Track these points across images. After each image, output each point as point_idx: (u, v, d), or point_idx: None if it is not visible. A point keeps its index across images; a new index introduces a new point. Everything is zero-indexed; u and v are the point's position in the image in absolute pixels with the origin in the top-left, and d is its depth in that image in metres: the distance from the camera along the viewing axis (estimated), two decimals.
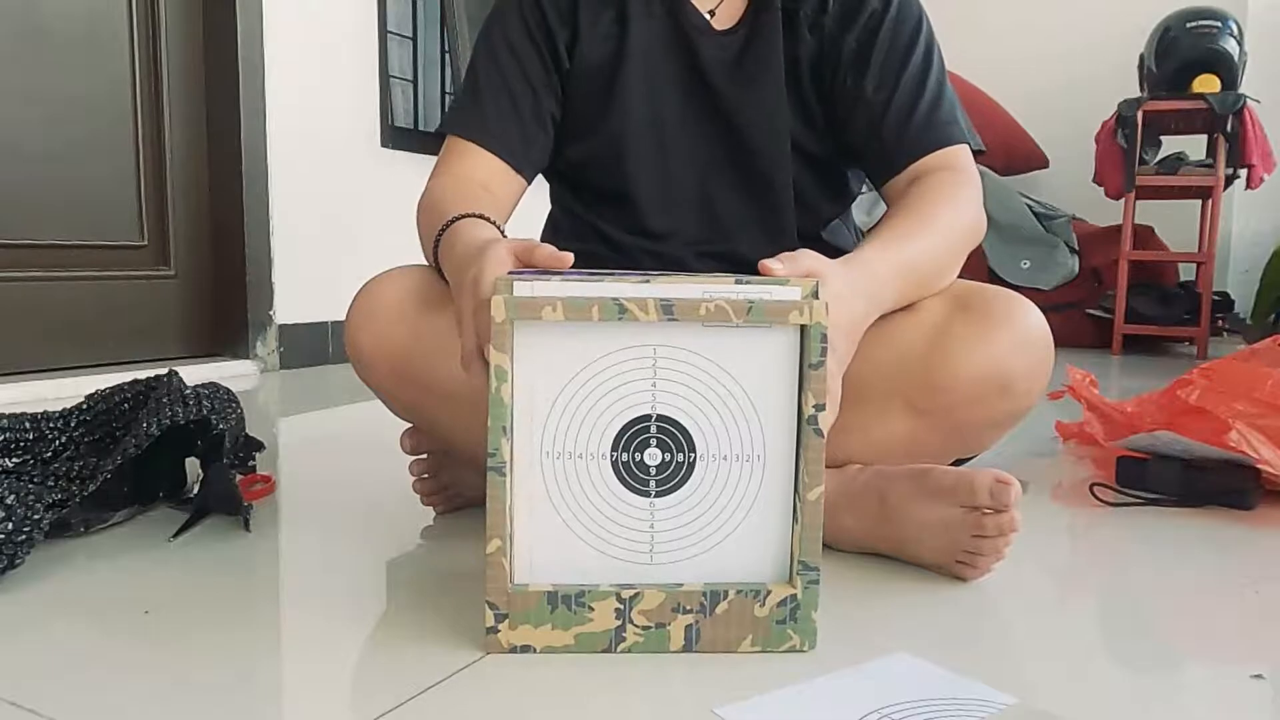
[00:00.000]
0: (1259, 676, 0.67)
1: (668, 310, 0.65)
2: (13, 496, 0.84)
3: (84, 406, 1.08)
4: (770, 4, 1.00)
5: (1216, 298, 3.33)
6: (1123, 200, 3.16)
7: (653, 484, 0.68)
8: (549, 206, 1.14)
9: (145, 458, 1.00)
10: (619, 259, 1.03)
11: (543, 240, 1.13)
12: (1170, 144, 3.36)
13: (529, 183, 1.03)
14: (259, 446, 1.17)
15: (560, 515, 0.68)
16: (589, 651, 0.67)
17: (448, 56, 2.89)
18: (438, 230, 0.88)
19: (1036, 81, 4.01)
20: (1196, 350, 3.15)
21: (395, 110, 2.72)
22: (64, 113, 2.00)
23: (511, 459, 0.66)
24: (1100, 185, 3.27)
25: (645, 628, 0.67)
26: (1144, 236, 3.33)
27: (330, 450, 1.48)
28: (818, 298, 0.67)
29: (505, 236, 0.84)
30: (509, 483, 0.66)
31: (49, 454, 1.04)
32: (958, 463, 0.99)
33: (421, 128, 2.82)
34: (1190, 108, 3.06)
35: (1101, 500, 1.17)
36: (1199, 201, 3.41)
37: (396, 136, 2.72)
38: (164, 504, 1.07)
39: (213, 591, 0.82)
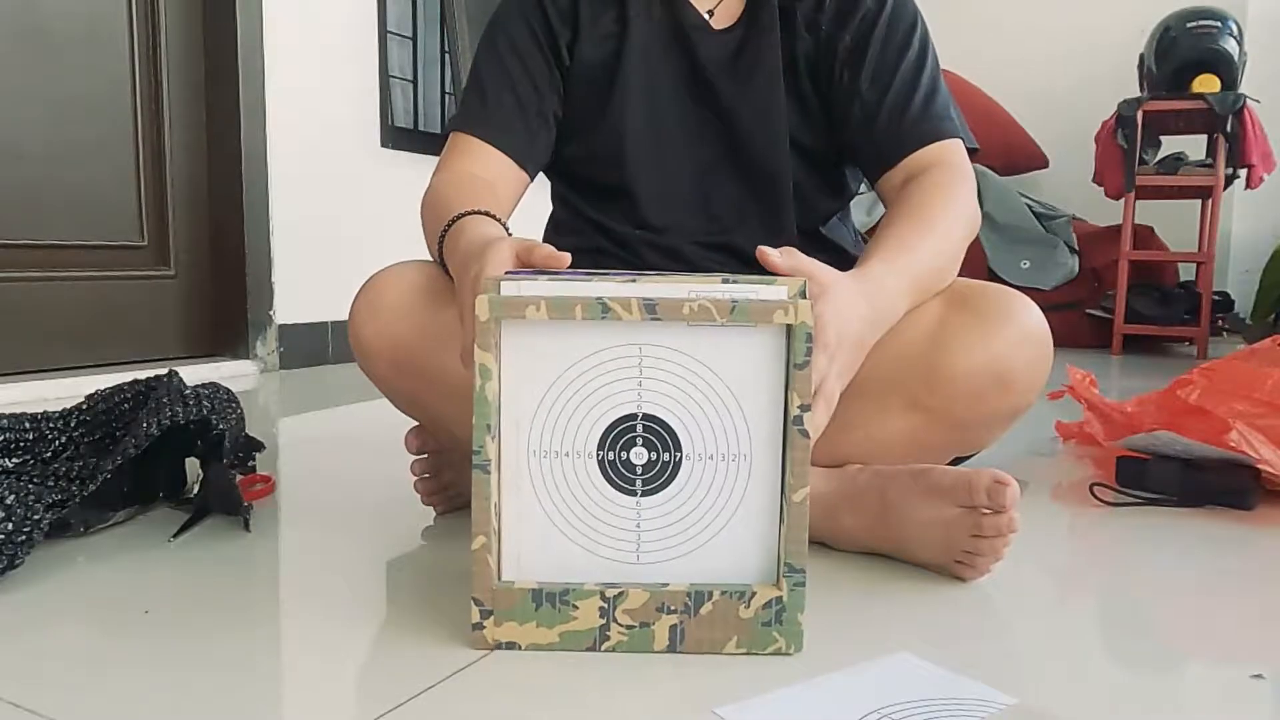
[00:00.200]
0: (1259, 676, 0.67)
1: (651, 310, 0.65)
2: (13, 496, 0.84)
3: (84, 406, 1.08)
4: (768, 3, 1.01)
5: (1216, 298, 3.33)
6: (1123, 200, 3.16)
7: (639, 483, 0.68)
8: (550, 205, 1.15)
9: (145, 458, 1.00)
10: (621, 253, 1.04)
11: (545, 238, 1.14)
12: (1170, 144, 3.36)
13: (532, 179, 1.04)
14: (259, 446, 1.17)
15: (547, 514, 0.68)
16: (573, 650, 0.68)
17: (448, 56, 2.89)
18: (442, 226, 0.88)
19: (1036, 81, 4.01)
20: (1196, 350, 3.15)
21: (395, 110, 2.72)
22: (64, 113, 2.00)
23: (498, 457, 0.66)
24: (1100, 185, 3.27)
25: (629, 627, 0.67)
26: (1144, 236, 3.33)
27: (330, 450, 1.48)
28: (804, 297, 0.67)
29: (509, 233, 0.85)
30: (494, 480, 0.66)
31: (49, 454, 1.04)
32: (957, 461, 0.99)
33: (421, 128, 2.82)
34: (1190, 108, 3.06)
35: (1101, 500, 1.17)
36: (1199, 201, 3.41)
37: (396, 136, 2.72)
38: (164, 504, 1.07)
39: (213, 591, 0.82)
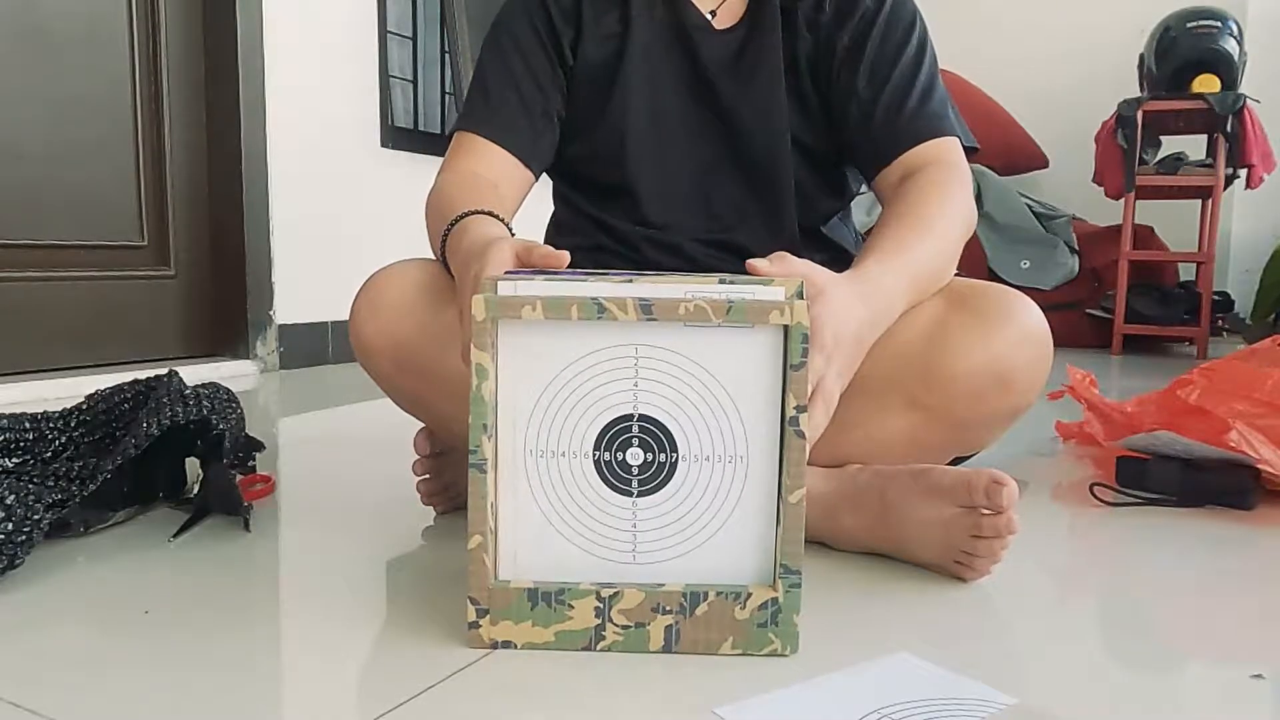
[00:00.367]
0: (1259, 676, 0.67)
1: (647, 310, 0.65)
2: (13, 496, 0.84)
3: (84, 406, 1.08)
4: (769, 3, 1.02)
5: (1216, 298, 3.33)
6: (1123, 200, 3.16)
7: (635, 484, 0.68)
8: (551, 205, 1.15)
9: (145, 458, 1.00)
10: (622, 251, 1.04)
11: (546, 237, 1.14)
12: (1170, 144, 3.36)
13: (536, 178, 1.04)
14: (259, 446, 1.17)
15: (543, 513, 0.68)
16: (569, 649, 0.68)
17: (448, 56, 2.89)
18: (445, 226, 0.88)
19: (1036, 81, 4.01)
20: (1196, 350, 3.15)
21: (395, 110, 2.72)
22: (64, 113, 2.00)
23: (495, 457, 0.67)
24: (1100, 185, 3.27)
25: (625, 627, 0.67)
26: (1144, 236, 3.33)
27: (330, 450, 1.48)
28: (801, 298, 0.67)
29: (512, 233, 0.85)
30: (491, 480, 0.66)
31: (49, 454, 1.04)
32: (957, 461, 0.99)
33: (421, 128, 2.82)
34: (1190, 108, 3.06)
35: (1101, 500, 1.17)
36: (1199, 201, 3.42)
37: (396, 136, 2.72)
38: (164, 504, 1.07)
39: (213, 591, 0.82)
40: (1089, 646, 0.73)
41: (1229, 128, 2.99)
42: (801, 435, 0.65)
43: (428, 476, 1.02)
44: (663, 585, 0.67)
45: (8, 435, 1.03)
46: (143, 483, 1.03)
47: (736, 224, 1.05)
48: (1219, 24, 3.07)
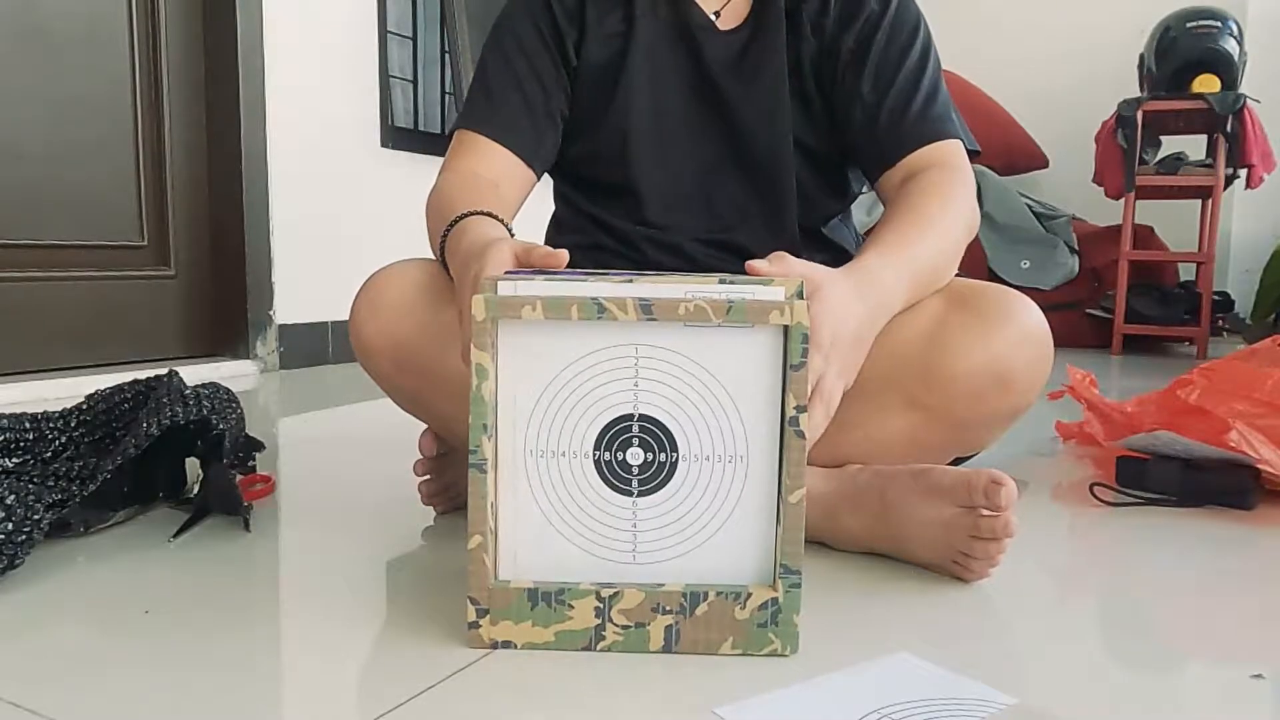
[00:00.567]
0: (1259, 676, 0.67)
1: (647, 310, 0.65)
2: (13, 496, 0.84)
3: (84, 406, 1.08)
4: (773, 4, 1.02)
5: (1216, 298, 3.33)
6: (1123, 200, 3.16)
7: (635, 483, 0.68)
8: (551, 204, 1.15)
9: (145, 458, 1.00)
10: (623, 250, 1.04)
11: (547, 237, 1.14)
12: (1170, 144, 3.36)
13: (538, 178, 1.04)
14: (259, 446, 1.17)
15: (544, 513, 0.68)
16: (568, 649, 0.68)
17: (448, 56, 2.89)
18: (445, 227, 0.88)
19: (1036, 81, 4.01)
20: (1196, 350, 3.15)
21: (395, 110, 2.72)
22: (64, 113, 2.00)
23: (495, 456, 0.67)
24: (1100, 185, 3.27)
25: (625, 627, 0.67)
26: (1144, 236, 3.33)
27: (330, 450, 1.48)
28: (802, 298, 0.67)
29: (512, 234, 0.85)
30: (491, 480, 0.66)
31: (49, 454, 1.04)
32: (957, 462, 0.99)
33: (421, 128, 2.82)
34: (1190, 108, 3.06)
35: (1101, 500, 1.17)
36: (1199, 201, 3.42)
37: (396, 136, 2.72)
38: (164, 504, 1.07)
39: (213, 591, 0.82)
40: (1089, 646, 0.73)
41: (1229, 128, 2.99)
42: (802, 435, 0.65)
43: (428, 477, 1.02)
44: (663, 585, 0.67)
45: (8, 435, 1.03)
46: (143, 483, 1.03)
47: (738, 224, 1.05)
48: (1219, 24, 3.07)
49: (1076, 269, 3.36)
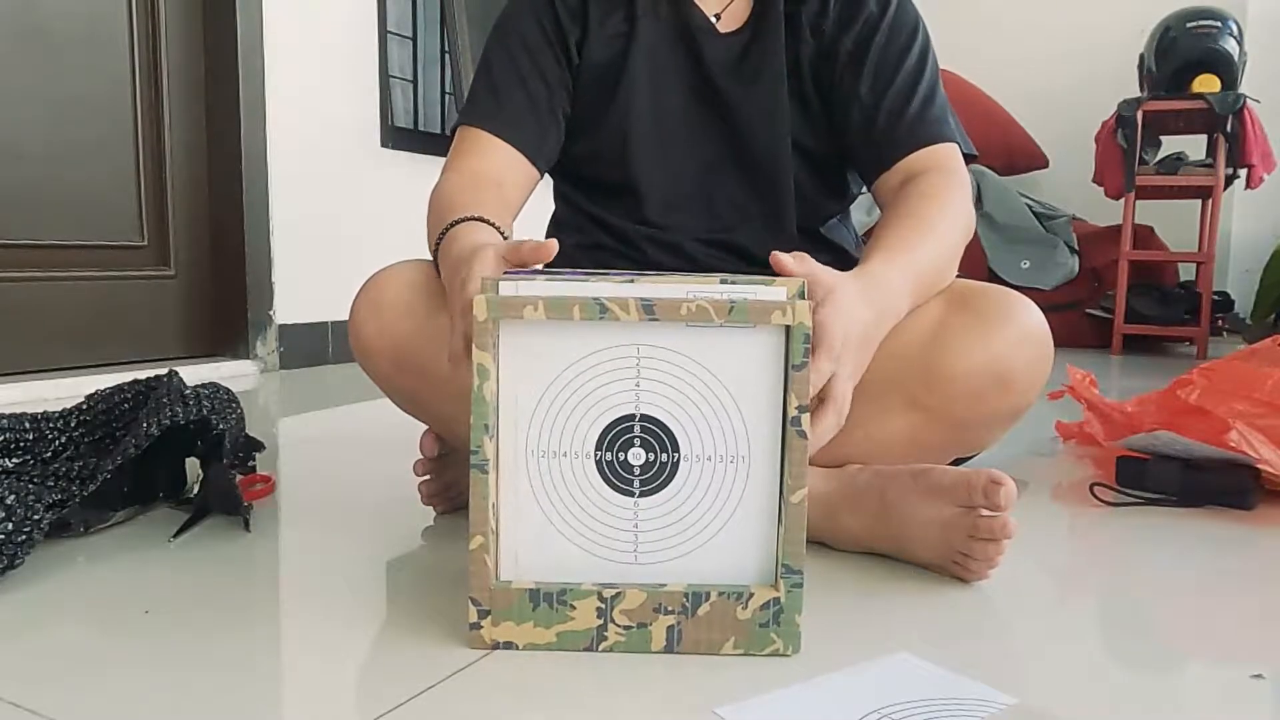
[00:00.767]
0: (1259, 676, 0.67)
1: (649, 310, 0.65)
2: (13, 496, 0.84)
3: (84, 406, 1.08)
4: (773, 7, 1.02)
5: (1216, 298, 3.33)
6: (1123, 200, 3.17)
7: (637, 484, 0.68)
8: (551, 204, 1.15)
9: (145, 458, 1.00)
10: (623, 249, 1.04)
11: (546, 236, 1.14)
12: (1170, 144, 3.36)
13: (542, 175, 1.04)
14: (259, 446, 1.17)
15: (545, 514, 0.68)
16: (570, 650, 0.68)
17: (448, 56, 2.89)
18: (440, 231, 0.88)
19: (1037, 81, 4.01)
20: (1196, 350, 3.15)
21: (395, 110, 2.72)
22: (64, 113, 2.00)
23: (496, 457, 0.67)
24: (1100, 185, 3.27)
25: (627, 627, 0.67)
26: (1144, 236, 3.33)
27: (330, 450, 1.48)
28: (803, 298, 0.67)
29: (506, 238, 0.85)
30: (492, 480, 0.66)
31: (49, 454, 1.04)
32: (958, 462, 0.99)
33: (421, 128, 2.82)
34: (1190, 108, 3.07)
35: (1101, 500, 1.17)
36: (1199, 201, 3.42)
37: (396, 136, 2.72)
38: (164, 504, 1.07)
39: (213, 591, 0.82)
40: (1089, 646, 0.73)
41: (1229, 128, 2.99)
42: (803, 435, 0.65)
43: (429, 477, 1.02)
44: (664, 585, 0.67)
45: (8, 435, 1.03)
46: (143, 483, 1.03)
47: (737, 224, 1.05)
48: (1219, 24, 3.07)
49: (1076, 269, 3.36)
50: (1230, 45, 3.07)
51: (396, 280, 0.95)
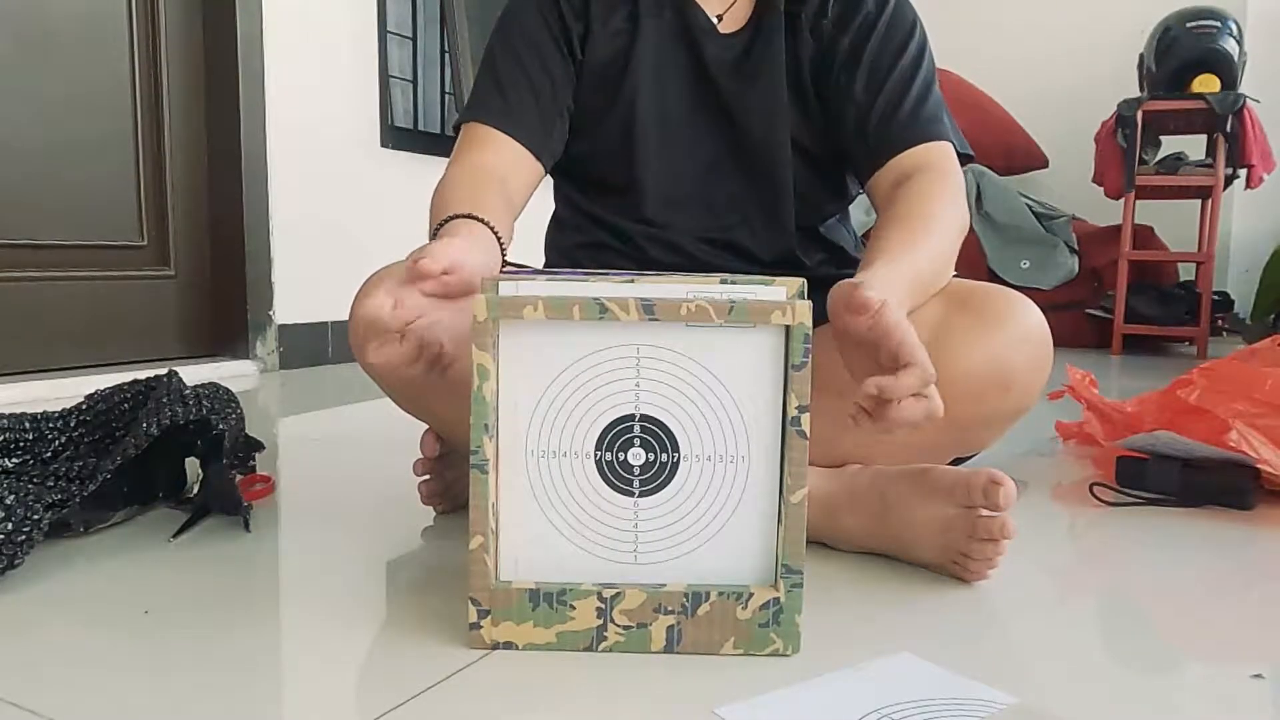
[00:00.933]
0: (1259, 676, 0.67)
1: (649, 310, 0.65)
2: (13, 496, 0.84)
3: (84, 407, 1.08)
4: (774, 7, 1.02)
5: (1216, 298, 3.33)
6: (1122, 200, 3.17)
7: (636, 484, 0.68)
8: (552, 204, 1.15)
9: (145, 458, 1.00)
10: (623, 248, 1.05)
11: (547, 235, 1.15)
12: (1170, 144, 3.36)
13: (546, 170, 1.04)
14: (259, 446, 1.17)
15: (545, 514, 0.68)
16: (570, 650, 0.68)
17: (448, 56, 2.89)
18: (435, 227, 0.88)
19: (1037, 81, 4.01)
20: (1196, 350, 3.15)
21: (395, 110, 2.72)
22: (64, 113, 2.00)
23: (496, 457, 0.67)
24: (1100, 185, 3.27)
25: (627, 627, 0.67)
26: (1144, 236, 3.33)
27: (330, 450, 1.48)
28: (803, 299, 0.67)
29: (498, 235, 0.84)
30: (492, 480, 0.66)
31: (49, 454, 1.04)
32: (958, 462, 0.99)
33: (421, 128, 2.82)
34: (1190, 108, 3.06)
35: (1101, 500, 1.17)
36: (1199, 201, 3.42)
37: (396, 136, 2.72)
38: (164, 504, 1.07)
39: (213, 591, 0.82)
40: (1089, 646, 0.73)
41: (1229, 128, 2.99)
42: (803, 435, 0.65)
43: (429, 477, 1.02)
44: (664, 585, 0.67)
45: (8, 435, 1.03)
46: (143, 483, 1.03)
47: (737, 223, 1.06)
48: (1219, 24, 3.07)
49: (1076, 269, 3.36)
50: (1230, 45, 3.07)
51: (397, 279, 0.95)
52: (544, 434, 0.68)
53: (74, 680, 0.64)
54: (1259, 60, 3.34)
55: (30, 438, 1.04)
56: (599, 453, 0.68)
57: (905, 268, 0.86)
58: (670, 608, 0.67)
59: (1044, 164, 3.85)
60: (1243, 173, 3.11)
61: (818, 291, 0.76)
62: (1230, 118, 2.98)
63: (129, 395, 1.08)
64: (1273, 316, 3.25)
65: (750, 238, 1.05)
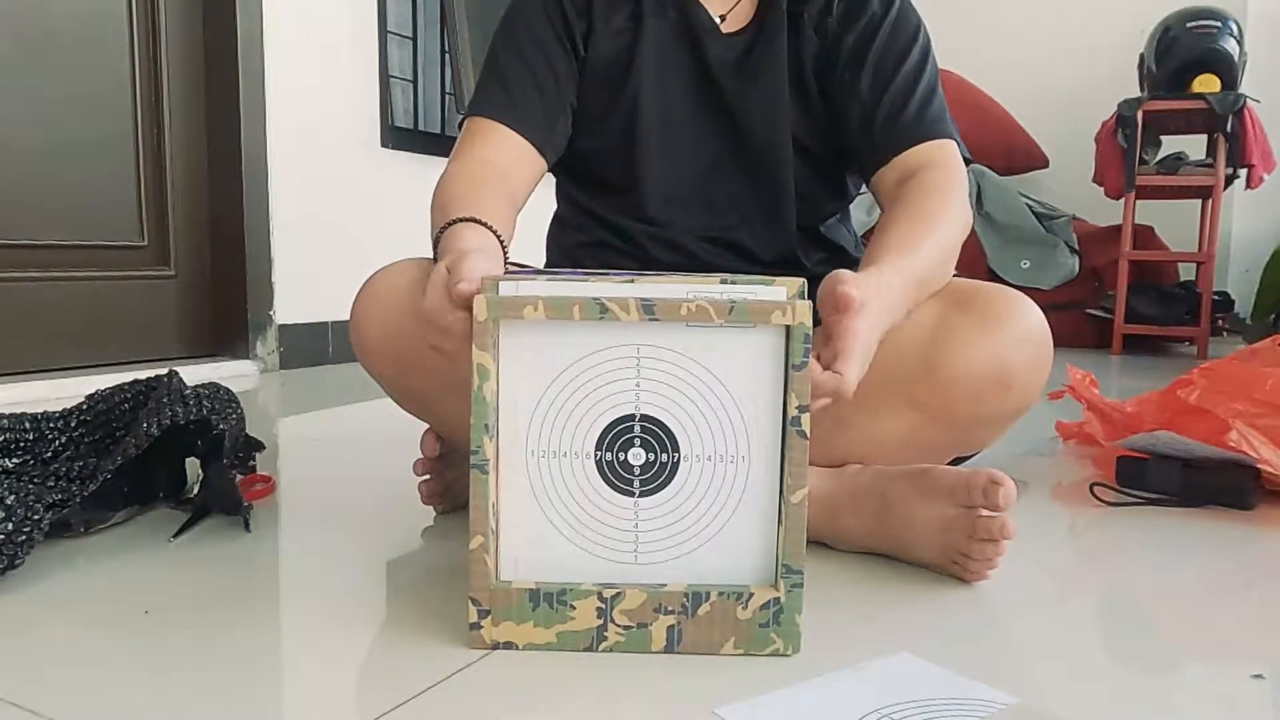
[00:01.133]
0: (1259, 676, 0.67)
1: (649, 310, 0.65)
2: (13, 496, 0.84)
3: (84, 407, 1.08)
4: (776, 7, 1.02)
5: (1216, 298, 3.33)
6: (1123, 200, 3.16)
7: (637, 484, 0.68)
8: (553, 204, 1.15)
9: (145, 458, 1.00)
10: (625, 246, 1.05)
11: (549, 234, 1.15)
12: (1170, 144, 3.36)
13: (549, 166, 1.04)
14: (259, 446, 1.17)
15: (545, 514, 0.68)
16: (570, 650, 0.68)
17: (448, 56, 2.88)
18: (437, 231, 0.88)
19: (1037, 81, 4.01)
20: (1196, 350, 3.15)
21: (395, 110, 2.72)
22: (64, 113, 2.00)
23: (496, 457, 0.67)
24: (1100, 185, 3.27)
25: (627, 627, 0.67)
26: (1144, 236, 3.33)
27: (330, 450, 1.48)
28: (804, 298, 0.67)
29: (499, 236, 0.84)
30: (492, 480, 0.66)
31: (49, 454, 1.04)
32: (958, 462, 0.99)
33: (421, 128, 2.82)
34: (1190, 108, 3.06)
35: (1101, 500, 1.17)
36: (1199, 201, 3.41)
37: (396, 136, 2.72)
38: (164, 504, 1.07)
39: (213, 591, 0.82)
40: (1089, 646, 0.73)
41: (1229, 127, 2.99)
42: (804, 435, 0.65)
43: (429, 477, 1.02)
44: (664, 585, 0.67)
45: (8, 435, 1.03)
46: (143, 483, 1.03)
47: (738, 222, 1.06)
48: (1219, 24, 3.07)
49: (1076, 269, 3.36)
50: (1230, 45, 3.07)
51: (397, 279, 0.95)
52: (544, 434, 0.68)
53: (74, 680, 0.64)
54: (1259, 60, 3.34)
55: (31, 438, 1.04)
56: (599, 453, 0.68)
57: (905, 266, 0.86)
58: (670, 608, 0.67)
59: (1044, 164, 3.85)
60: (1243, 173, 3.11)
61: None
62: (1230, 118, 2.98)
63: (129, 395, 1.08)
64: (1273, 316, 3.25)
65: (751, 237, 1.05)
